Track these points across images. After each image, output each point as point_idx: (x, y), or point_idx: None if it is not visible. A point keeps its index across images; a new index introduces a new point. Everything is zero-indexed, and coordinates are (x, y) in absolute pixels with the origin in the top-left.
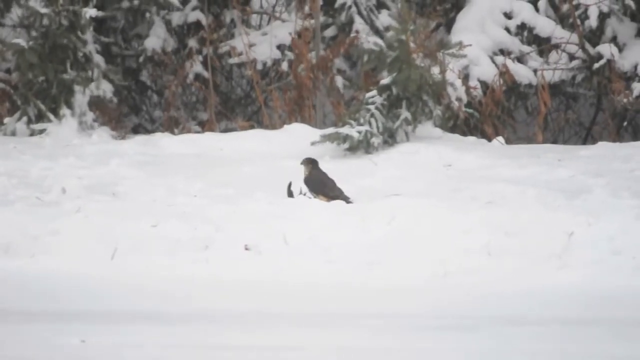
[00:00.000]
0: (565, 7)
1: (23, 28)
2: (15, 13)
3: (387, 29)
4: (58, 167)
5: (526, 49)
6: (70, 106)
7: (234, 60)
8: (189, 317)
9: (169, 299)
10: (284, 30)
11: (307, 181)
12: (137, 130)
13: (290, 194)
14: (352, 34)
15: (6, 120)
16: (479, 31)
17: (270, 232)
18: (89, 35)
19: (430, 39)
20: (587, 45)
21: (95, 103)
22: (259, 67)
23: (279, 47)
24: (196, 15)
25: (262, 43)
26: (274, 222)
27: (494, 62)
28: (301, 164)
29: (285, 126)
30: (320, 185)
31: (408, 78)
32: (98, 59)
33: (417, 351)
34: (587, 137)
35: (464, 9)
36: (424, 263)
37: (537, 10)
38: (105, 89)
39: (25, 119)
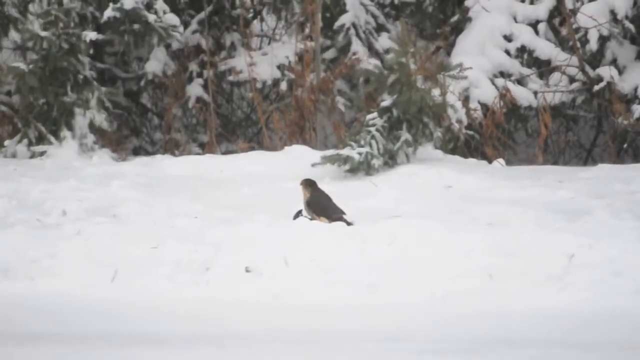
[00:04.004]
0: (565, 31)
1: (23, 51)
2: (12, 36)
3: (387, 51)
4: (58, 189)
5: (526, 71)
6: (70, 128)
7: (234, 78)
8: (190, 339)
9: (170, 321)
10: (283, 53)
11: (309, 203)
12: (137, 152)
13: (296, 218)
14: (352, 56)
15: (6, 142)
16: (479, 54)
17: (271, 254)
18: (85, 60)
19: (431, 61)
20: (587, 68)
21: (95, 127)
22: (259, 87)
23: (279, 67)
24: (197, 39)
25: (262, 65)
26: (275, 244)
27: (494, 84)
28: (300, 184)
29: (286, 148)
30: (323, 207)
31: (409, 100)
32: (94, 86)
33: None
34: (588, 159)
35: (464, 32)
36: (424, 285)
37: (537, 33)
38: (100, 117)
39: (25, 141)
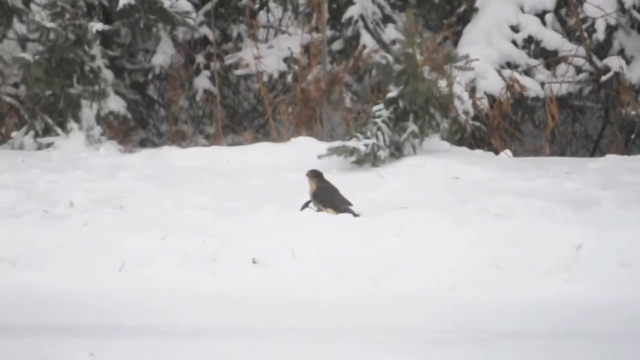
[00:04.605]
0: (572, 21)
1: (25, 42)
2: (18, 27)
3: (394, 42)
4: (66, 180)
5: (533, 62)
6: (77, 120)
7: (240, 71)
8: (197, 331)
9: (177, 312)
10: (289, 44)
11: (316, 195)
12: (144, 143)
13: (303, 209)
14: (359, 48)
15: (14, 134)
16: (486, 44)
17: (278, 246)
18: (96, 50)
19: (437, 52)
20: (595, 58)
21: (107, 119)
22: (266, 79)
23: (285, 60)
24: (203, 31)
25: (268, 56)
26: (282, 235)
27: (501, 75)
28: (306, 175)
29: (292, 139)
30: (330, 198)
31: (415, 91)
32: (107, 73)
33: None
34: (595, 149)
35: (470, 22)
36: (431, 276)
37: (544, 23)
38: (117, 103)
39: (32, 132)
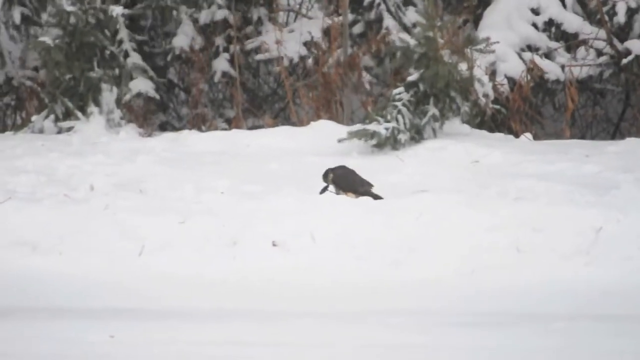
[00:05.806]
0: (592, 3)
1: (50, 26)
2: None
3: (415, 25)
4: (86, 164)
5: (554, 45)
6: (97, 104)
7: (261, 56)
8: (218, 314)
9: (197, 296)
10: (310, 28)
11: (336, 181)
12: (164, 127)
13: (322, 193)
14: (382, 31)
15: (34, 117)
16: (506, 27)
17: (298, 229)
18: (124, 33)
19: (458, 35)
20: (615, 41)
21: (129, 103)
22: (286, 63)
23: (306, 44)
24: (223, 13)
25: (289, 40)
26: (302, 218)
27: (521, 58)
28: (322, 176)
29: (312, 123)
30: (350, 182)
31: (436, 74)
32: (135, 57)
33: (444, 348)
34: (616, 133)
35: (491, 5)
36: (451, 259)
37: (564, 6)
38: (146, 84)
39: (52, 116)
